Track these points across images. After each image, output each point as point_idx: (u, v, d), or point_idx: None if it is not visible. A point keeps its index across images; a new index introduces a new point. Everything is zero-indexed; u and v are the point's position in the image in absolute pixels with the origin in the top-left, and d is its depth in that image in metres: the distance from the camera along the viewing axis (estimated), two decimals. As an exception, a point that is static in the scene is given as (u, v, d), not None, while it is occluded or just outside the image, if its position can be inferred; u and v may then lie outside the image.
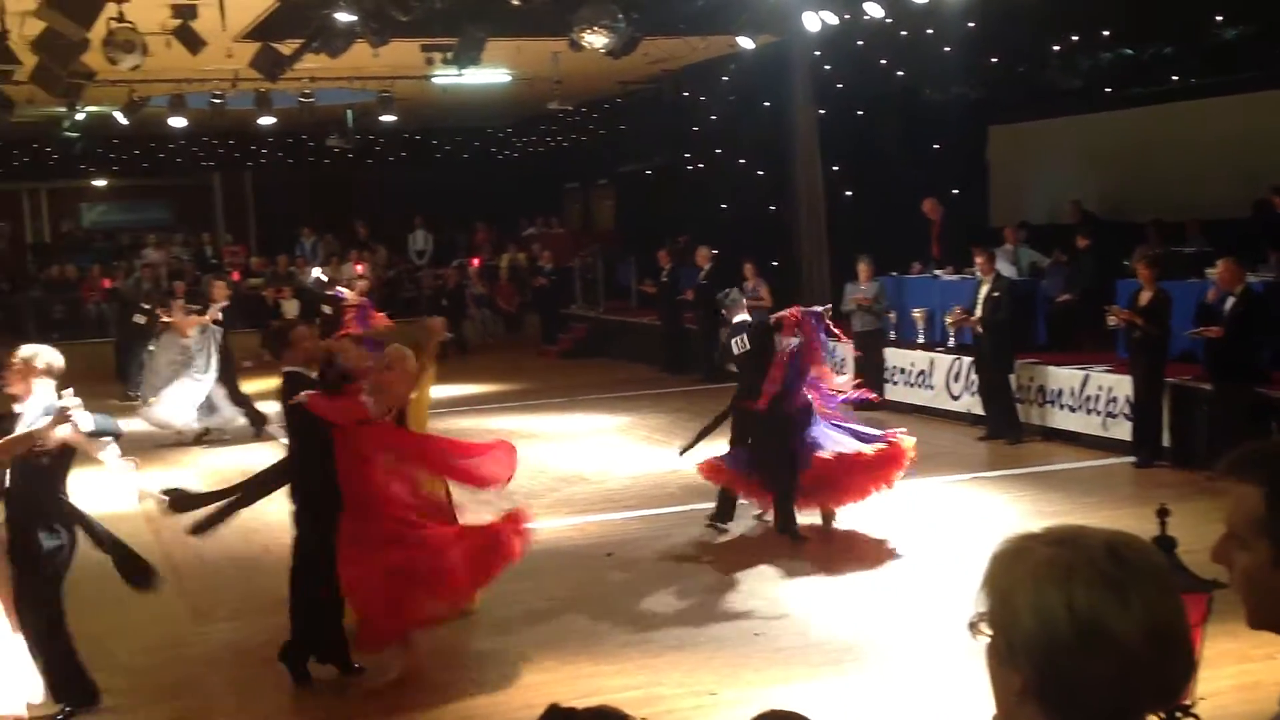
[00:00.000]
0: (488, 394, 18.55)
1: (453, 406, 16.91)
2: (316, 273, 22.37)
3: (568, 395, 17.83)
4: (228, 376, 14.78)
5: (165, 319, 15.31)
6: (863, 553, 9.34)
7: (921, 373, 14.73)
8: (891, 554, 9.28)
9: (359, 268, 24.02)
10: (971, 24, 15.00)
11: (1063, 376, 12.90)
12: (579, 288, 23.74)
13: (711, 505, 10.22)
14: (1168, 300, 11.39)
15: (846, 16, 14.57)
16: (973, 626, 1.75)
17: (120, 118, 19.53)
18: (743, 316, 10.43)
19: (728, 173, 20.74)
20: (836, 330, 10.99)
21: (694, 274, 18.64)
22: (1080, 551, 1.65)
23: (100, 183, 29.53)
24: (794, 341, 9.78)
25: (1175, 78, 15.86)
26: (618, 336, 22.02)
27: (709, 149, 21.30)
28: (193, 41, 13.12)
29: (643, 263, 21.78)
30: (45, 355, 6.60)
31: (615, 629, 7.88)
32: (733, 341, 10.24)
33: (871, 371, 15.09)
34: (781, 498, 9.62)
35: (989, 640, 1.72)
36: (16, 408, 6.53)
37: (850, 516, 10.11)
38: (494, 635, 7.85)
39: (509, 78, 19.79)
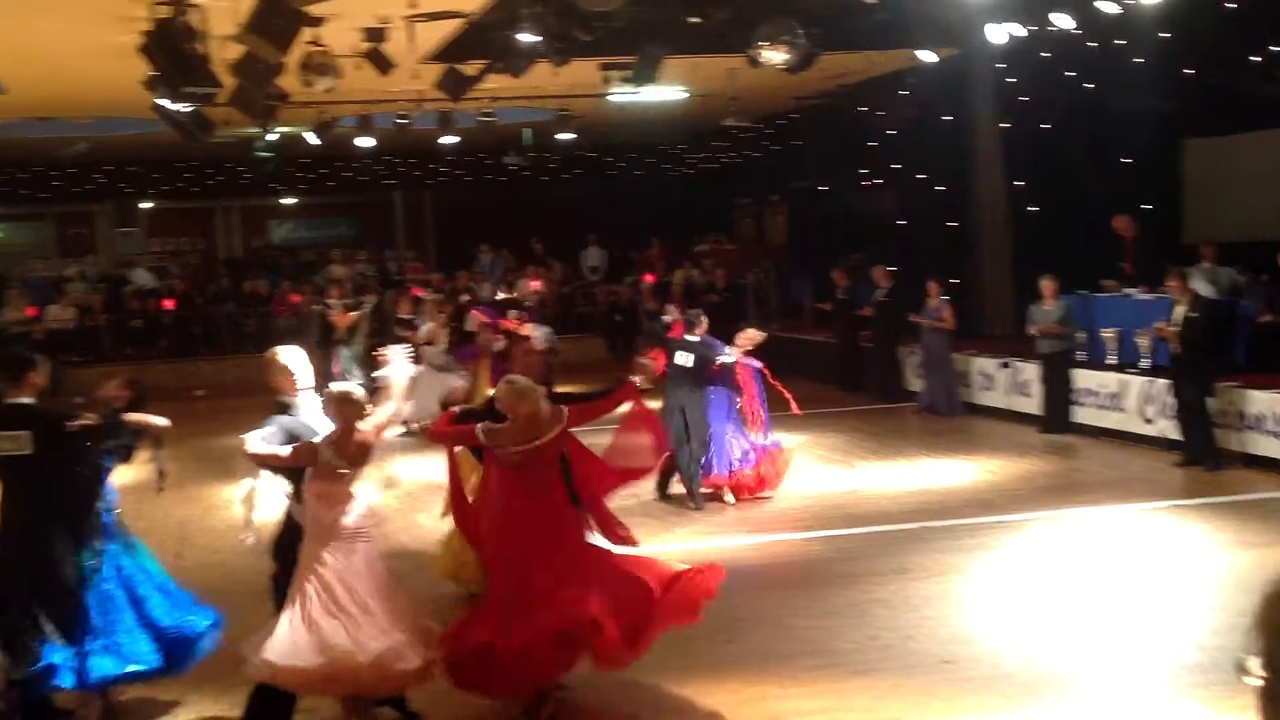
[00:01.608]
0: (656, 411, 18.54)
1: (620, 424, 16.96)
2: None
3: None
4: None
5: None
6: (1057, 581, 9.02)
7: (1113, 395, 14.21)
8: (1086, 583, 8.94)
9: (535, 284, 24.40)
10: (1164, 34, 14.48)
11: (1264, 400, 12.31)
12: (751, 304, 23.64)
13: (904, 526, 10.26)
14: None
15: (1032, 28, 14.22)
16: (1241, 668, 1.63)
17: (311, 138, 20.15)
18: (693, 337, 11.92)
19: (906, 188, 20.41)
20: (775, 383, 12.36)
21: (870, 291, 18.38)
22: None
23: (289, 200, 30.56)
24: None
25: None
26: (791, 353, 21.80)
27: (886, 164, 20.99)
28: (382, 64, 13.46)
29: (816, 279, 21.56)
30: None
31: (799, 651, 7.76)
32: (678, 352, 11.69)
33: (1058, 394, 14.69)
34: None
35: (1262, 683, 1.59)
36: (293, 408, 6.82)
37: (1046, 544, 9.81)
38: (677, 655, 7.77)
39: (684, 95, 19.84)
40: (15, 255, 28.35)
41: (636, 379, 7.15)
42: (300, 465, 6.60)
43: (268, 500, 7.03)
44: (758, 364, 12.21)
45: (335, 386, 6.78)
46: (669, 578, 6.91)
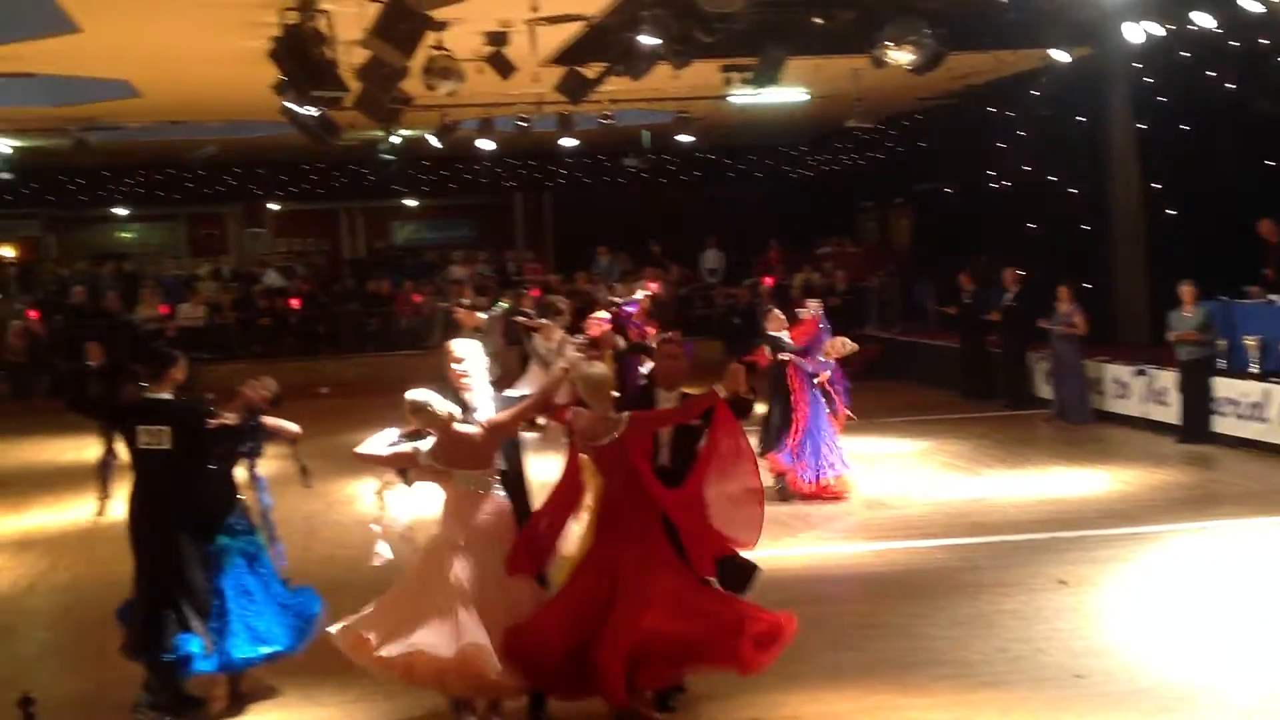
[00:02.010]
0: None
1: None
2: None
3: (861, 418, 17.35)
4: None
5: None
6: (1193, 595, 8.69)
7: (1255, 405, 13.68)
8: (1224, 597, 8.59)
9: (652, 285, 24.34)
10: (1313, 31, 13.94)
11: None
12: (873, 308, 23.36)
13: (1033, 536, 10.08)
14: None
15: (1171, 27, 13.78)
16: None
17: (433, 140, 20.37)
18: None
19: (1036, 191, 19.95)
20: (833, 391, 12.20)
21: (997, 295, 17.99)
22: None
23: (411, 202, 30.99)
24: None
25: None
26: (913, 358, 21.51)
27: (1015, 166, 20.54)
28: (504, 67, 13.54)
29: (940, 283, 21.20)
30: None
31: (924, 661, 7.57)
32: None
33: (1197, 403, 14.22)
34: None
35: None
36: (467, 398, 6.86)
37: (1182, 557, 9.52)
38: (794, 661, 7.62)
39: (806, 96, 19.65)
40: (149, 255, 29.18)
41: (719, 388, 6.63)
42: (399, 467, 6.73)
43: (403, 497, 7.08)
44: (816, 369, 12.03)
45: (408, 395, 6.70)
46: (740, 622, 6.54)
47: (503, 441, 6.78)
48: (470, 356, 6.96)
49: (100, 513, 12.00)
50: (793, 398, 12.03)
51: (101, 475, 11.93)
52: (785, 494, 11.97)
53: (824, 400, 12.11)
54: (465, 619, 6.36)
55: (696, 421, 6.71)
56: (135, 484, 7.08)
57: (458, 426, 6.62)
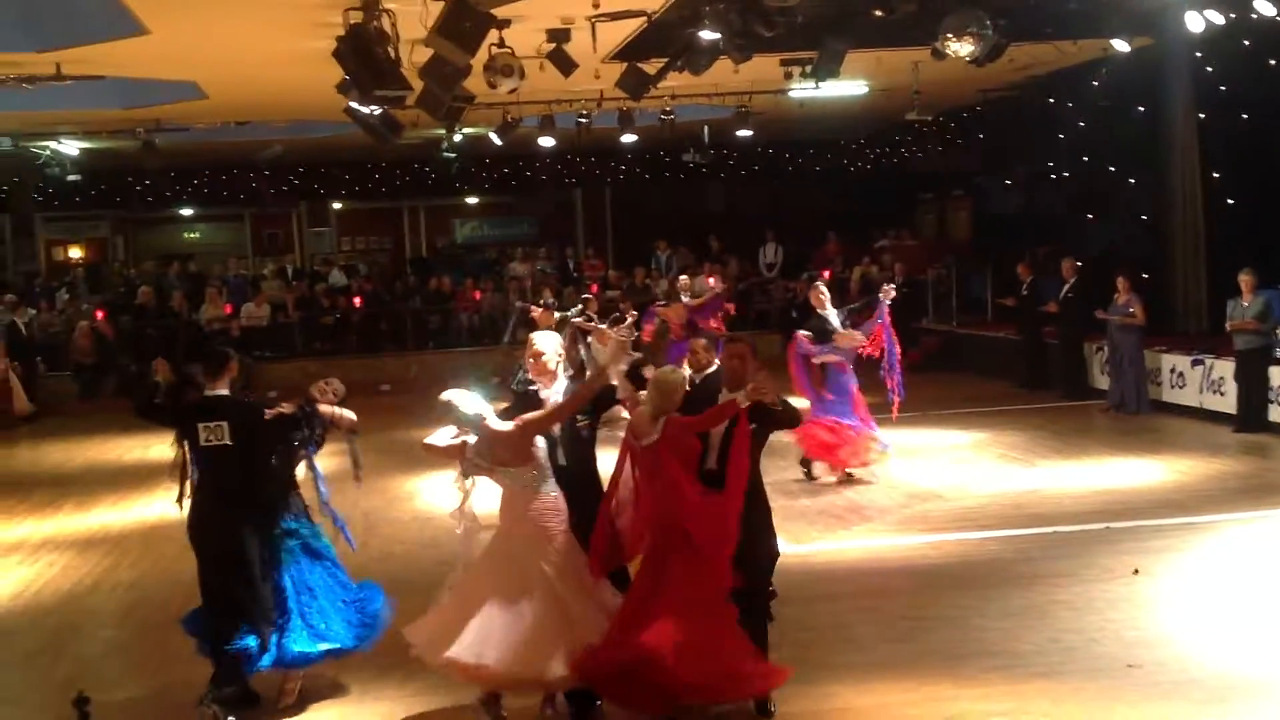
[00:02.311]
0: (838, 407, 18.42)
1: (802, 419, 16.88)
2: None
3: (919, 409, 17.40)
4: None
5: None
6: (1249, 585, 8.67)
7: (1314, 395, 13.60)
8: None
9: (711, 280, 24.43)
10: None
11: None
12: (931, 300, 23.29)
13: (1088, 527, 10.10)
14: None
15: (1233, 16, 13.65)
16: None
17: (494, 138, 20.55)
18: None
19: (1096, 181, 19.81)
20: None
21: (1056, 286, 17.91)
22: None
23: (472, 200, 31.24)
24: None
25: None
26: (971, 350, 21.44)
27: (1076, 157, 20.40)
28: (565, 64, 13.64)
29: (999, 275, 21.10)
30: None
31: (977, 652, 7.62)
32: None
33: (1255, 392, 14.11)
34: None
35: None
36: (543, 392, 7.02)
37: (1238, 547, 9.47)
38: (850, 652, 7.76)
39: (866, 89, 19.62)
40: (214, 255, 29.65)
41: (740, 396, 6.60)
42: (451, 459, 6.86)
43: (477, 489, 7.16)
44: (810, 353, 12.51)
45: (441, 395, 6.79)
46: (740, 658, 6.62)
47: (536, 437, 6.73)
48: (549, 350, 7.12)
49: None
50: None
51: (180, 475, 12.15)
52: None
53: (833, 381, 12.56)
54: (523, 619, 6.49)
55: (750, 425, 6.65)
56: (198, 481, 7.23)
57: (490, 424, 6.72)
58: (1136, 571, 8.96)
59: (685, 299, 17.81)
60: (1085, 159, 20.09)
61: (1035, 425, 15.59)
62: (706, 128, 22.88)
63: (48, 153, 21.93)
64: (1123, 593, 8.59)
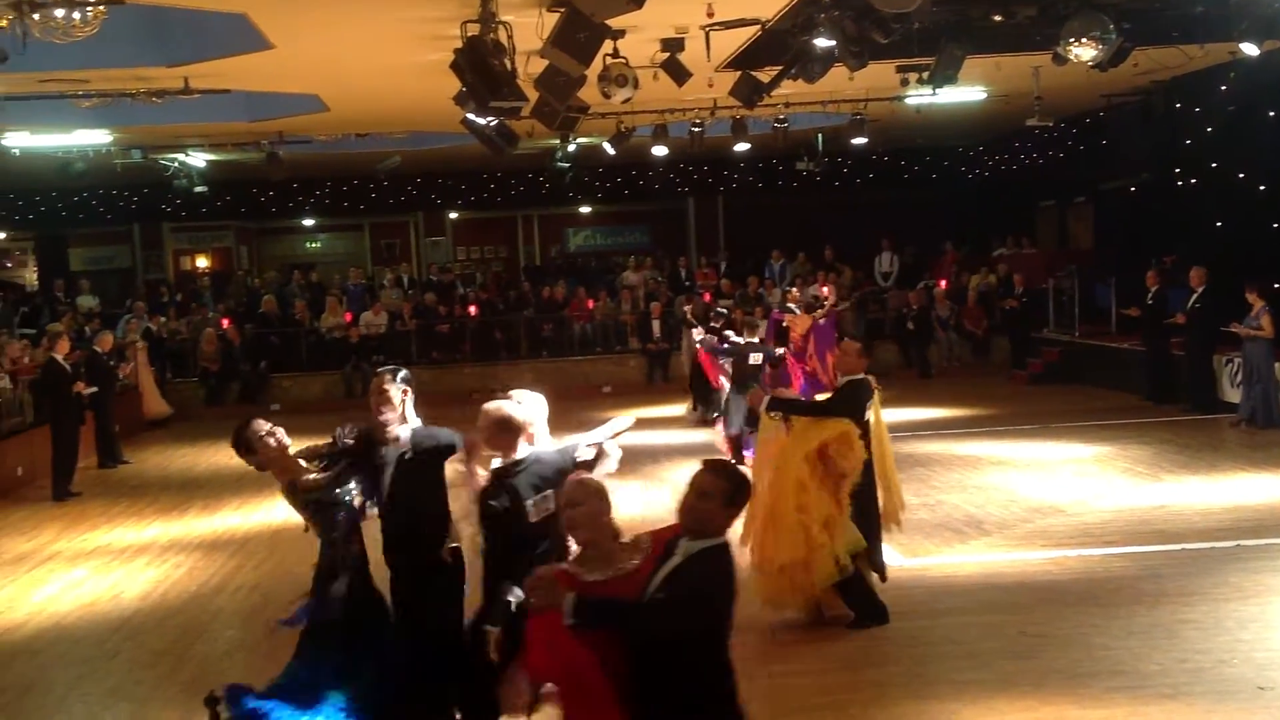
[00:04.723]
0: (953, 419, 18.20)
1: (916, 431, 16.71)
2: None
3: (1039, 422, 17.16)
4: None
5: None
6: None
7: None
8: None
9: (825, 290, 24.25)
10: None
11: None
12: (1052, 310, 22.84)
13: (1217, 545, 9.82)
14: None
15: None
16: None
17: (608, 148, 20.64)
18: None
19: (1224, 188, 19.26)
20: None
21: (1183, 296, 17.43)
22: None
23: (585, 209, 31.44)
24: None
25: None
26: (1094, 362, 20.97)
27: (1203, 163, 19.86)
28: (679, 73, 13.65)
29: (1123, 284, 20.61)
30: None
31: (1100, 671, 7.43)
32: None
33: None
34: None
35: None
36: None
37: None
38: (970, 669, 7.61)
39: (984, 95, 19.34)
40: (334, 264, 30.24)
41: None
42: None
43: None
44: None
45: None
46: None
47: None
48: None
49: None
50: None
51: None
52: None
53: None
54: None
55: None
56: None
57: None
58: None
59: (796, 310, 17.63)
60: (1213, 165, 19.55)
61: (1161, 439, 15.19)
62: (820, 135, 22.72)
63: (176, 165, 22.55)
64: (1253, 613, 8.32)
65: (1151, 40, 14.75)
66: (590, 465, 6.07)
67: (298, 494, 6.40)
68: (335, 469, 6.43)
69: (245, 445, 6.52)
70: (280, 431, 6.48)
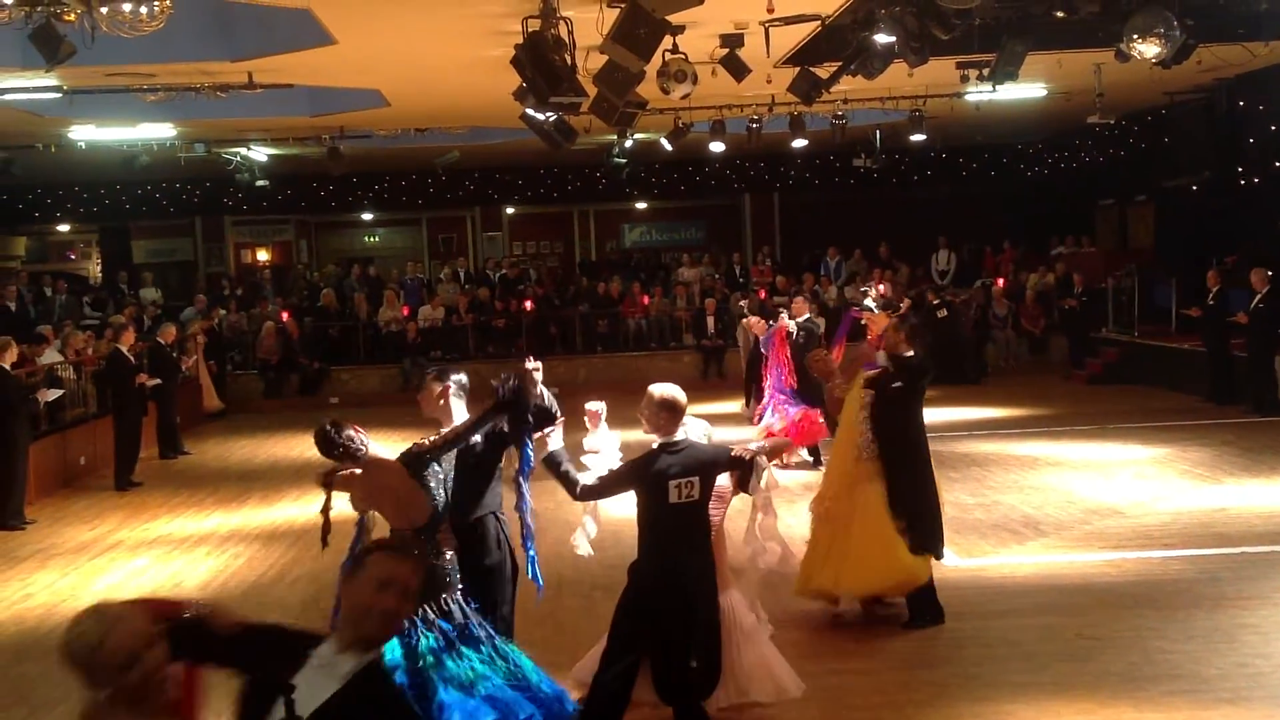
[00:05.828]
0: (1010, 419, 18.06)
1: (972, 430, 16.61)
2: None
3: (1097, 423, 17.00)
4: None
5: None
6: None
7: None
8: None
9: (882, 287, 24.13)
10: None
11: None
12: (1111, 310, 22.60)
13: (1275, 549, 9.71)
14: None
15: None
16: None
17: (665, 144, 20.65)
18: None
19: (1289, 187, 19.01)
20: None
21: (1244, 296, 17.20)
22: None
23: (641, 205, 31.46)
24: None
25: None
26: (1154, 362, 20.74)
27: (1267, 161, 19.58)
28: (738, 69, 13.63)
29: (1184, 284, 20.36)
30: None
31: (1158, 675, 7.37)
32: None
33: None
34: None
35: None
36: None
37: None
38: (1026, 671, 7.56)
39: (1045, 91, 19.17)
40: (392, 258, 30.47)
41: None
42: None
43: None
44: None
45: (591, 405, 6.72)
46: None
47: None
48: None
49: None
50: None
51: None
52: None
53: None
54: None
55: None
56: None
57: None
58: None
59: (874, 308, 17.41)
60: (1277, 164, 19.28)
61: (1222, 441, 15.00)
62: (879, 132, 22.60)
63: (238, 158, 22.81)
64: (1317, 618, 8.21)
65: (1215, 37, 14.57)
66: (744, 469, 6.36)
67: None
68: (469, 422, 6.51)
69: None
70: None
